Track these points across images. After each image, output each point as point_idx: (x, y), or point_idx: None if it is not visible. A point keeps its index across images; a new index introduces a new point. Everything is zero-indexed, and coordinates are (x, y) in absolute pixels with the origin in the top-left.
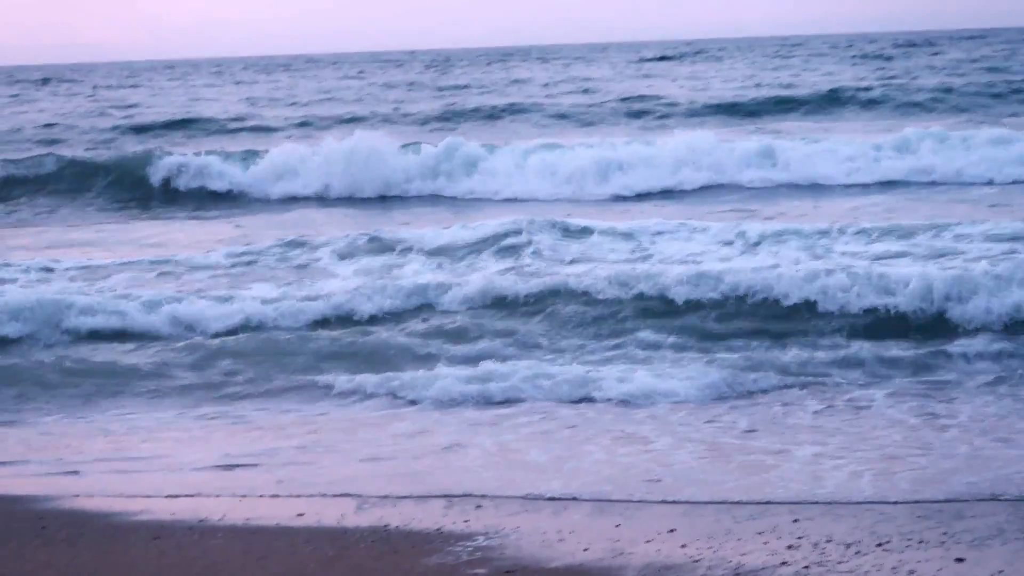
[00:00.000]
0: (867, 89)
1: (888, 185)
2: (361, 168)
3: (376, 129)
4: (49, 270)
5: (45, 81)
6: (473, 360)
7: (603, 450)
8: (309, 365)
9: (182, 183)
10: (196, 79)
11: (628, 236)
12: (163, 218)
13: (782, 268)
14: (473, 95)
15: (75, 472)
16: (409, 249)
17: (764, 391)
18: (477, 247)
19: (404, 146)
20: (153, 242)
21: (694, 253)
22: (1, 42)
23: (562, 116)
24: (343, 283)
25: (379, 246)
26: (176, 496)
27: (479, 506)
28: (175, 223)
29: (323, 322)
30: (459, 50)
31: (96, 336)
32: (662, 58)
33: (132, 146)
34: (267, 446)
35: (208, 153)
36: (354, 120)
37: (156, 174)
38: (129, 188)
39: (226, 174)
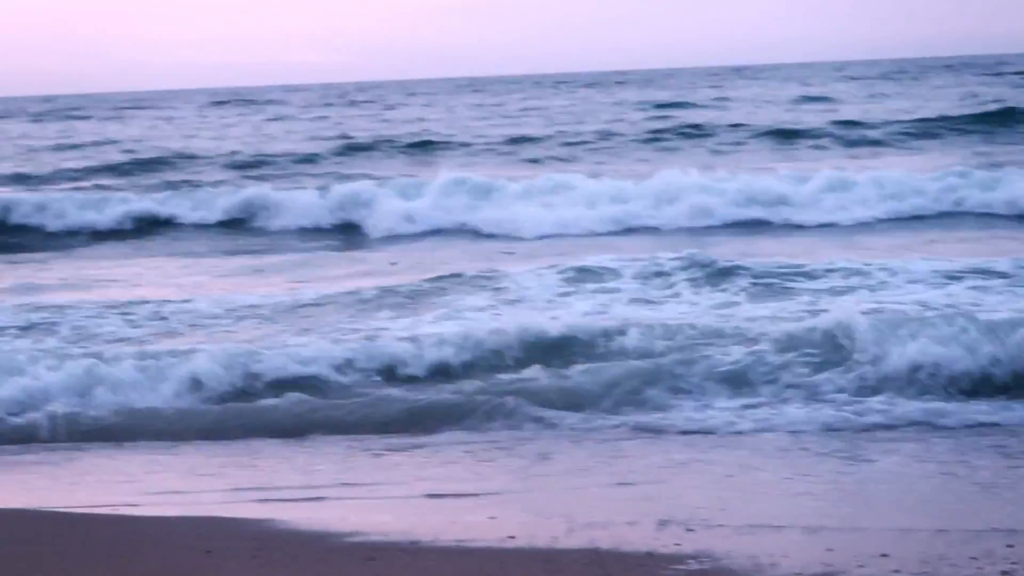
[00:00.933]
0: None
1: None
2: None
3: (596, 144)
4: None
5: (248, 103)
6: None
7: (826, 472)
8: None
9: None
10: (404, 99)
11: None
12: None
13: None
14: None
15: (290, 499)
16: None
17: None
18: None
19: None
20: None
21: None
22: (196, 61)
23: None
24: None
25: None
26: (388, 519)
27: (691, 529)
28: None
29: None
30: (659, 71)
31: None
32: (852, 78)
33: (347, 168)
34: (481, 473)
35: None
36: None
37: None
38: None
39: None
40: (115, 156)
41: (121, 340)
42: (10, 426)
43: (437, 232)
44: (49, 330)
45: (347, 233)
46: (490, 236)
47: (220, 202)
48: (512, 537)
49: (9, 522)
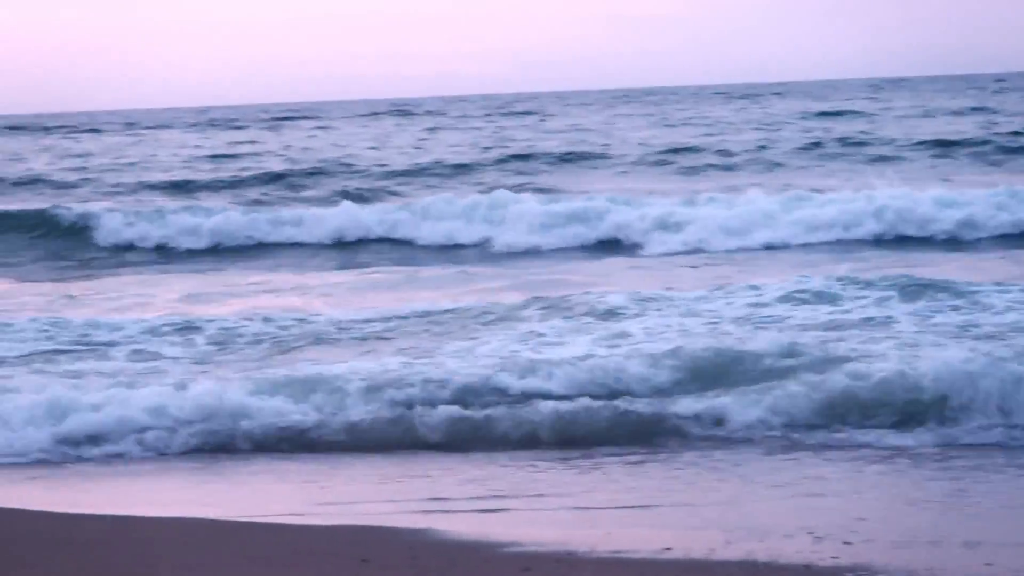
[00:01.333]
0: None
1: None
2: None
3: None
4: None
5: (406, 114)
6: None
7: (986, 487)
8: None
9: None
10: (562, 110)
11: None
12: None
13: None
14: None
15: (447, 510)
16: None
17: None
18: None
19: None
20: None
21: None
22: (353, 74)
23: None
24: None
25: None
26: (545, 530)
27: (848, 542)
28: None
29: None
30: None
31: None
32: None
33: (502, 179)
34: (637, 486)
35: None
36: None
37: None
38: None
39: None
40: (273, 166)
41: (281, 351)
42: (184, 438)
43: (584, 245)
44: (208, 338)
45: (496, 243)
46: (630, 248)
47: (365, 213)
48: (668, 548)
49: (173, 530)
